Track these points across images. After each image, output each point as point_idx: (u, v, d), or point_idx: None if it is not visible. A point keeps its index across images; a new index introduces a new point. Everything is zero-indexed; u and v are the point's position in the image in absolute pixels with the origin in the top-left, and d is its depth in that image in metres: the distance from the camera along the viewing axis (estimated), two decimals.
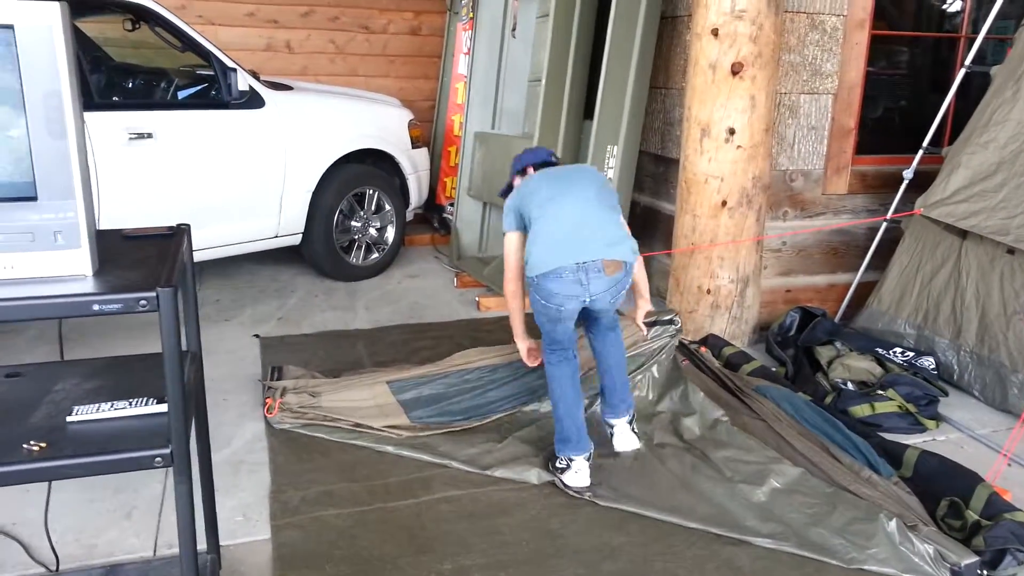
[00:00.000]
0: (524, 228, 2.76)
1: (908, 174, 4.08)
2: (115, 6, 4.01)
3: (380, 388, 3.19)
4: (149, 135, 3.81)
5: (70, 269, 1.46)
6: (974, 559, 2.25)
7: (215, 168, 4.13)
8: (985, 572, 2.26)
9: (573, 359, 2.79)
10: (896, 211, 4.10)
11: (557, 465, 2.76)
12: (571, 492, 2.67)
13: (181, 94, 4.20)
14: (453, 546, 2.39)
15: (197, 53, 4.07)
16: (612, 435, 2.92)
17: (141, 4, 3.89)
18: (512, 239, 2.81)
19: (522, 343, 2.96)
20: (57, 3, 1.38)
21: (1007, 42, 3.92)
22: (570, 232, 2.62)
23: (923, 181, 3.96)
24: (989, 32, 3.81)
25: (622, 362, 2.94)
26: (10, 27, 1.34)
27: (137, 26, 4.15)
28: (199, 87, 4.21)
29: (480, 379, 3.23)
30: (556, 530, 2.48)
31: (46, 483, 2.27)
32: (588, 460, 2.72)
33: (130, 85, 4.38)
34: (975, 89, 4.15)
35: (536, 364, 3.00)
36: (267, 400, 3.17)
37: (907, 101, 5.07)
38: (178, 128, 3.95)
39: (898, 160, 4.27)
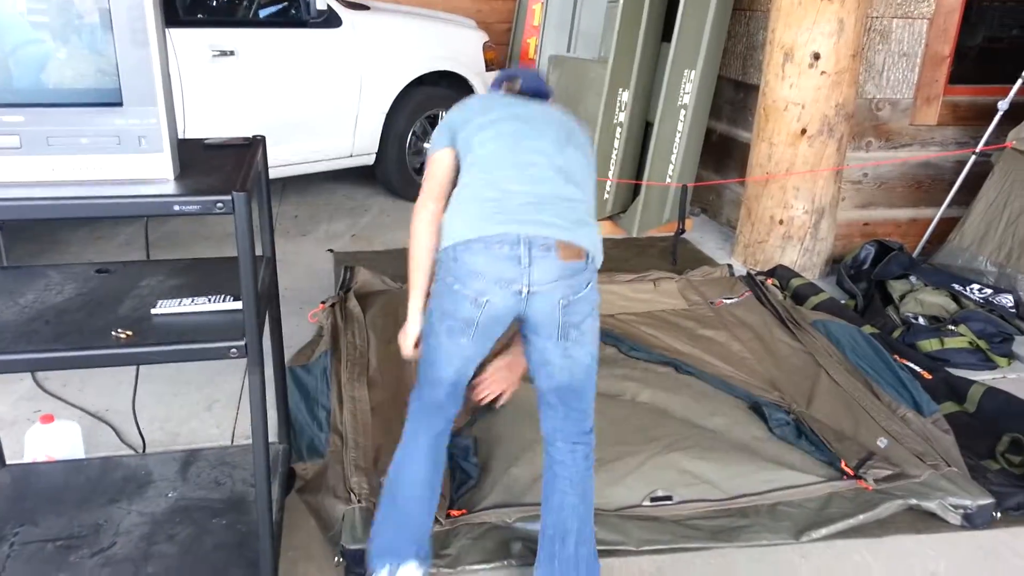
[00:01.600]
0: (456, 155, 1.92)
1: (1003, 105, 3.87)
2: None
3: None
4: (231, 52, 3.93)
5: (153, 172, 1.57)
6: (988, 500, 2.22)
7: (293, 86, 4.22)
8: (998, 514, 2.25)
9: (446, 419, 1.87)
10: (987, 144, 3.91)
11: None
12: None
13: (262, 12, 4.29)
14: None
15: None
16: None
17: None
18: (441, 157, 1.92)
19: (414, 324, 1.90)
20: None
21: None
22: (521, 191, 1.75)
23: (1019, 113, 3.75)
24: None
25: (586, 514, 1.85)
26: None
27: None
28: (279, 6, 4.28)
29: None
30: None
31: (144, 372, 2.47)
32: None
33: (214, 3, 4.49)
34: None
35: (412, 357, 1.93)
36: (321, 304, 3.30)
37: (1010, 28, 4.75)
38: (259, 46, 4.05)
39: (995, 91, 4.03)
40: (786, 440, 2.51)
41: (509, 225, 1.69)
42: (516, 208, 1.73)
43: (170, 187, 1.55)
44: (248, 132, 2.04)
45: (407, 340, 1.93)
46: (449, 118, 1.97)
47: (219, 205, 1.51)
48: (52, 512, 1.96)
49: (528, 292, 1.68)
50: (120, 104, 1.51)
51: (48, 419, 2.24)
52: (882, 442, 2.50)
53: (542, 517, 1.87)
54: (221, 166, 1.69)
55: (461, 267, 1.70)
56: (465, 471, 2.30)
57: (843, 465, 2.36)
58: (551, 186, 1.78)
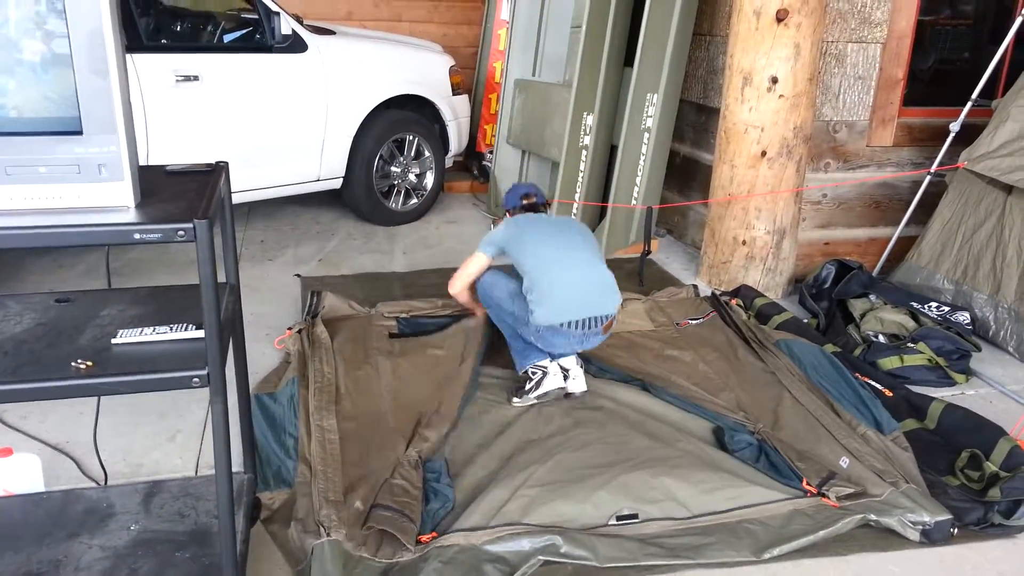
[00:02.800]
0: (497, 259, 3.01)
1: (955, 127, 3.98)
2: None
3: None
4: (196, 77, 3.91)
5: (114, 200, 1.55)
6: (945, 517, 2.25)
7: (259, 111, 4.22)
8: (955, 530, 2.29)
9: None
10: (940, 164, 4.01)
11: (531, 379, 2.87)
12: (559, 393, 2.87)
13: (227, 37, 4.28)
14: None
15: None
16: (565, 378, 2.92)
17: None
18: (482, 260, 3.01)
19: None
20: None
21: None
22: (579, 291, 2.78)
23: (971, 135, 3.86)
24: None
25: None
26: None
27: None
28: (244, 31, 4.28)
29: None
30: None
31: (104, 405, 2.42)
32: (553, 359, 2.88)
33: (178, 28, 4.47)
34: None
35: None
36: (288, 331, 3.32)
37: (960, 51, 4.90)
38: (224, 71, 4.04)
39: (946, 112, 4.16)
40: (747, 463, 2.54)
41: (576, 316, 2.76)
42: (581, 302, 2.77)
43: (131, 215, 1.54)
44: (213, 157, 2.04)
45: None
46: (497, 238, 2.98)
47: (180, 233, 1.50)
48: (10, 548, 1.90)
49: (578, 350, 2.93)
50: (80, 133, 1.50)
51: (6, 452, 2.19)
52: (844, 462, 2.53)
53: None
54: (183, 193, 1.68)
55: (544, 339, 2.80)
56: (440, 493, 2.30)
57: (805, 484, 2.39)
58: (597, 273, 2.84)
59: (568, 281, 2.78)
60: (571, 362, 2.91)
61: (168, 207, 1.58)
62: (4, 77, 1.45)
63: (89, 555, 1.89)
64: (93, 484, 2.40)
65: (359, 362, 3.10)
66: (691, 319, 3.62)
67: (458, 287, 3.10)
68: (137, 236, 1.49)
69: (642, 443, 2.59)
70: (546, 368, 2.86)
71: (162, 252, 4.39)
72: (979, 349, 3.42)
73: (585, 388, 2.92)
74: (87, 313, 1.82)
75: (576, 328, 2.75)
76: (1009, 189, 3.59)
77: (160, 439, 2.69)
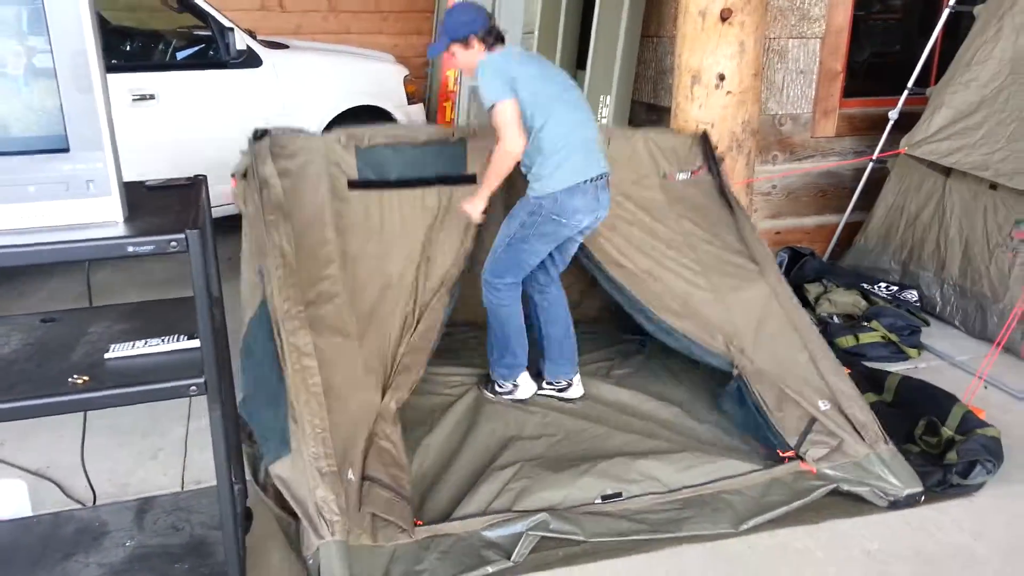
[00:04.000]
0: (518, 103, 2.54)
1: (894, 115, 4.17)
2: None
3: None
4: (152, 96, 3.90)
5: (102, 216, 1.58)
6: (917, 489, 2.39)
7: (216, 126, 4.21)
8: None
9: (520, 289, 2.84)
10: (882, 151, 4.20)
11: (499, 389, 2.93)
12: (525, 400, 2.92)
13: (180, 55, 4.27)
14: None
15: (194, 14, 4.13)
16: (565, 389, 2.97)
17: None
18: (510, 106, 2.50)
19: (484, 203, 2.71)
20: None
21: None
22: (583, 143, 2.60)
23: (909, 122, 4.05)
24: None
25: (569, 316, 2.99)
26: None
27: None
28: (197, 47, 4.27)
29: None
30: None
31: (78, 428, 2.41)
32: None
33: (128, 48, 4.44)
34: (961, 29, 4.22)
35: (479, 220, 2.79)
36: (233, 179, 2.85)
37: (894, 43, 5.13)
38: (179, 88, 4.03)
39: (885, 102, 4.35)
40: (731, 411, 2.69)
41: (589, 172, 2.59)
42: (589, 155, 2.61)
43: (121, 229, 1.57)
44: (174, 174, 2.07)
45: (476, 211, 2.73)
46: (500, 71, 2.53)
47: (173, 244, 1.54)
48: (3, 574, 1.91)
49: (597, 217, 2.69)
50: (67, 150, 1.53)
51: None
52: (823, 405, 2.59)
53: (545, 327, 2.94)
54: (168, 206, 1.72)
55: (564, 208, 2.58)
56: None
57: (781, 453, 2.50)
58: (592, 129, 2.68)
59: (584, 138, 2.61)
60: (575, 378, 2.98)
61: (157, 220, 1.62)
62: None
63: (87, 572, 1.91)
64: (80, 506, 2.40)
65: (313, 242, 2.63)
66: (680, 173, 3.27)
67: (514, 148, 2.53)
68: (131, 249, 1.52)
69: (622, 438, 2.69)
70: (518, 383, 2.94)
71: (125, 273, 4.34)
72: (928, 324, 3.59)
73: (583, 392, 2.98)
74: (74, 331, 1.84)
75: (590, 184, 2.60)
76: (948, 171, 3.78)
77: (143, 458, 2.69)
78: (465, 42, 2.62)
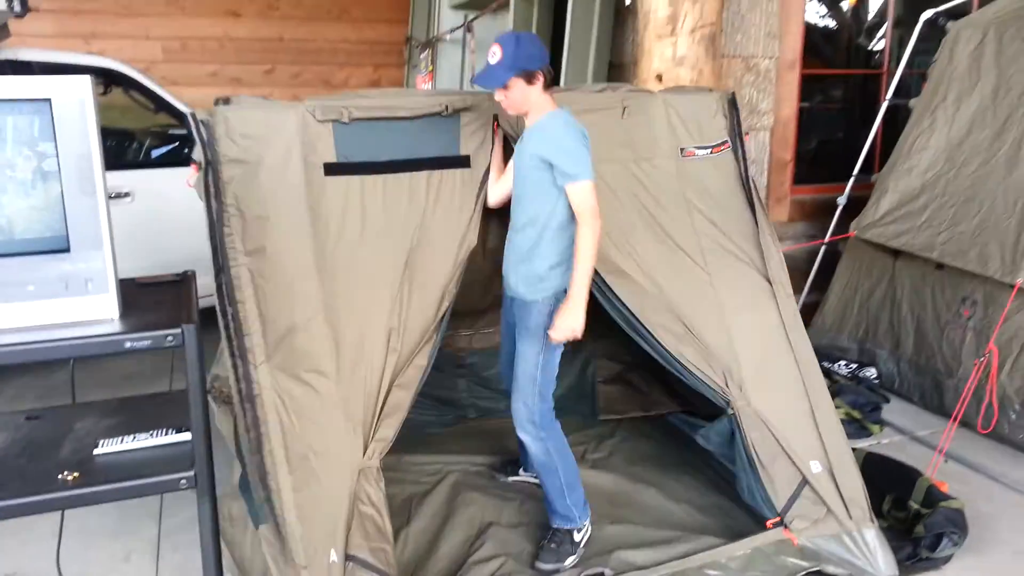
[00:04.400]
0: None
1: (842, 200, 4.40)
2: (89, 71, 4.17)
3: None
4: (127, 194, 3.96)
5: (99, 313, 1.63)
6: (893, 574, 2.43)
7: (191, 222, 4.25)
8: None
9: None
10: (833, 235, 4.41)
11: (577, 538, 2.52)
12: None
13: (155, 153, 4.36)
14: None
15: (170, 114, 4.24)
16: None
17: (114, 69, 4.07)
18: (591, 187, 2.28)
19: (582, 309, 2.30)
20: (87, 77, 1.57)
21: (922, 77, 4.30)
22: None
23: (856, 207, 4.28)
24: (910, 67, 4.19)
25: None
26: (47, 100, 1.53)
27: (109, 90, 4.31)
28: (172, 146, 4.37)
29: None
30: None
31: (46, 531, 2.37)
32: None
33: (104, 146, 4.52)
34: (900, 120, 4.52)
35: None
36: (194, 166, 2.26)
37: (839, 133, 5.45)
38: (155, 186, 4.10)
39: (833, 188, 4.60)
40: (715, 447, 2.67)
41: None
42: None
43: (116, 326, 1.61)
44: (151, 270, 2.12)
45: (580, 323, 2.31)
46: (586, 140, 2.32)
47: (169, 339, 1.59)
48: None
49: None
50: (67, 250, 1.59)
51: None
52: (816, 466, 2.49)
53: None
54: (161, 302, 1.77)
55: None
56: None
57: (768, 524, 2.49)
58: None
59: None
60: None
61: (151, 315, 1.67)
62: None
63: None
64: None
65: (283, 249, 2.24)
66: (698, 148, 2.77)
67: (597, 232, 2.29)
68: (128, 344, 1.56)
69: (601, 524, 2.67)
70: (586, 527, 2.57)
71: (92, 372, 4.30)
72: (888, 400, 3.72)
73: None
74: (60, 428, 1.85)
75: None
76: (896, 253, 3.98)
77: (115, 560, 2.63)
78: (531, 77, 2.27)
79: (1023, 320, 3.29)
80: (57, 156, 1.54)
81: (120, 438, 1.76)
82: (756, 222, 2.76)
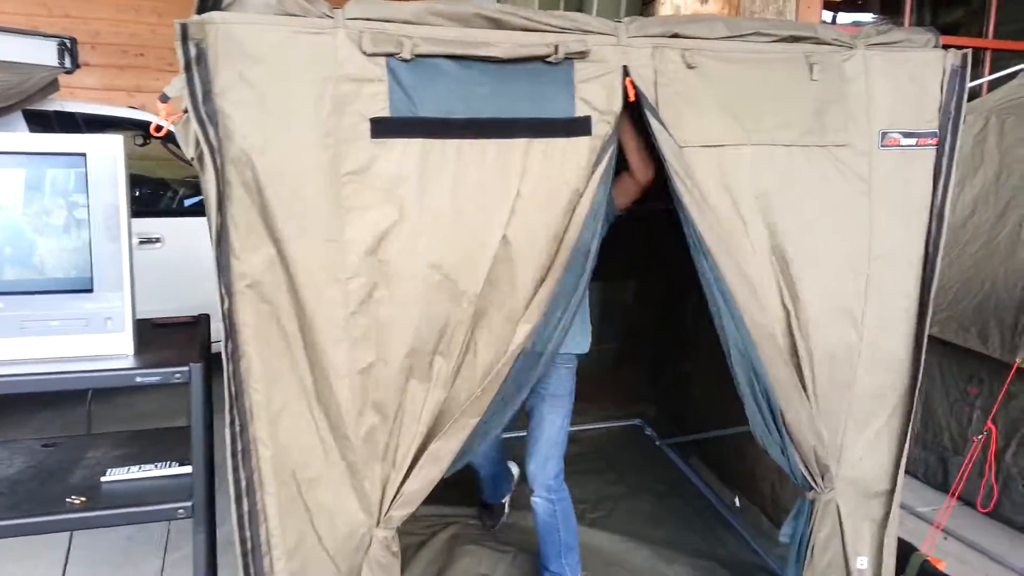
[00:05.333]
0: None
1: None
2: (129, 123, 4.43)
3: None
4: (158, 239, 4.16)
5: (115, 349, 1.76)
6: None
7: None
8: None
9: None
10: None
11: None
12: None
13: (187, 202, 4.57)
14: None
15: None
16: None
17: (154, 121, 4.31)
18: None
19: None
20: (119, 136, 1.73)
21: None
22: None
23: None
24: None
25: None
26: (83, 155, 1.68)
27: (148, 141, 4.55)
28: (203, 196, 4.58)
29: None
30: None
31: (53, 558, 2.48)
32: None
33: (138, 194, 4.75)
34: None
35: None
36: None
37: None
38: (185, 233, 4.30)
39: None
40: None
41: None
42: None
43: (131, 361, 1.74)
44: (176, 311, 2.25)
45: None
46: None
47: (177, 375, 1.71)
48: None
49: None
50: (91, 291, 1.73)
51: None
52: (862, 562, 2.31)
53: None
54: (174, 342, 1.90)
55: None
56: None
57: None
58: None
59: None
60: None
61: (163, 354, 1.79)
62: (30, 243, 1.68)
63: None
64: None
65: (292, 251, 1.64)
66: (903, 136, 2.01)
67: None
68: (139, 379, 1.68)
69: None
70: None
71: (115, 407, 4.45)
72: None
73: None
74: (73, 456, 1.96)
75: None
76: None
77: None
78: None
79: None
80: (88, 205, 1.69)
81: (127, 468, 1.87)
82: (926, 263, 2.07)
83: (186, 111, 1.56)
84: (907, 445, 2.23)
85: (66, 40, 3.82)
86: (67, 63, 3.76)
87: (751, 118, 1.87)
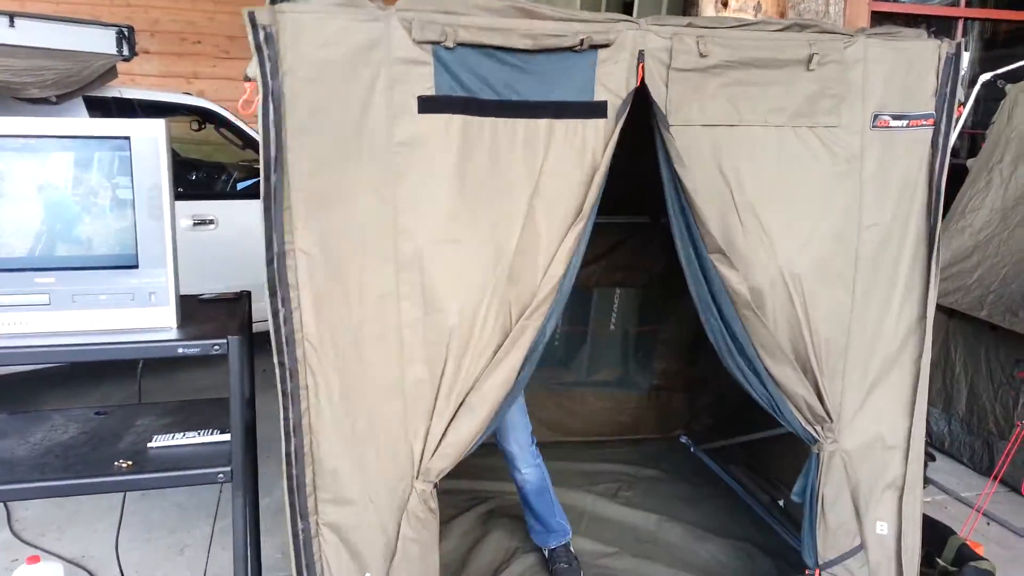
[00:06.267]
0: None
1: None
2: (185, 109, 4.59)
3: None
4: (211, 221, 4.32)
5: (160, 322, 1.87)
6: None
7: None
8: None
9: None
10: None
11: (572, 551, 2.67)
12: None
13: (240, 185, 4.73)
14: None
15: (255, 150, 4.59)
16: None
17: (208, 107, 4.46)
18: None
19: None
20: (162, 120, 1.83)
21: (980, 136, 4.27)
22: None
23: None
24: (967, 128, 4.17)
25: None
26: (127, 138, 1.78)
27: (203, 126, 4.72)
28: (256, 179, 4.72)
29: None
30: None
31: (111, 523, 2.62)
32: None
33: (194, 178, 4.93)
34: (958, 180, 4.47)
35: None
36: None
37: None
38: (238, 215, 4.45)
39: None
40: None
41: None
42: None
43: (174, 333, 1.84)
44: (227, 290, 2.35)
45: None
46: None
47: (216, 347, 1.80)
48: None
49: None
50: (136, 266, 1.83)
51: (34, 560, 2.37)
52: (881, 527, 2.34)
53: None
54: (216, 316, 2.00)
55: None
56: None
57: (806, 572, 2.39)
58: None
59: None
60: None
61: (204, 327, 1.89)
62: (79, 221, 1.79)
63: None
64: None
65: (354, 216, 1.84)
66: (893, 118, 2.16)
67: None
68: (180, 351, 1.79)
69: (624, 559, 2.77)
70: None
71: (171, 381, 4.65)
72: (934, 459, 3.66)
73: None
74: (123, 423, 2.09)
75: None
76: (951, 312, 3.93)
77: (171, 552, 2.87)
78: None
79: None
80: (132, 186, 1.79)
81: (172, 435, 1.98)
82: (930, 235, 2.22)
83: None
84: (917, 414, 2.31)
85: (124, 29, 3.98)
86: (125, 51, 3.93)
87: (748, 103, 2.05)
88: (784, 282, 2.14)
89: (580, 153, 1.94)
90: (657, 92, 1.97)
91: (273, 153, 1.74)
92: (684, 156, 2.00)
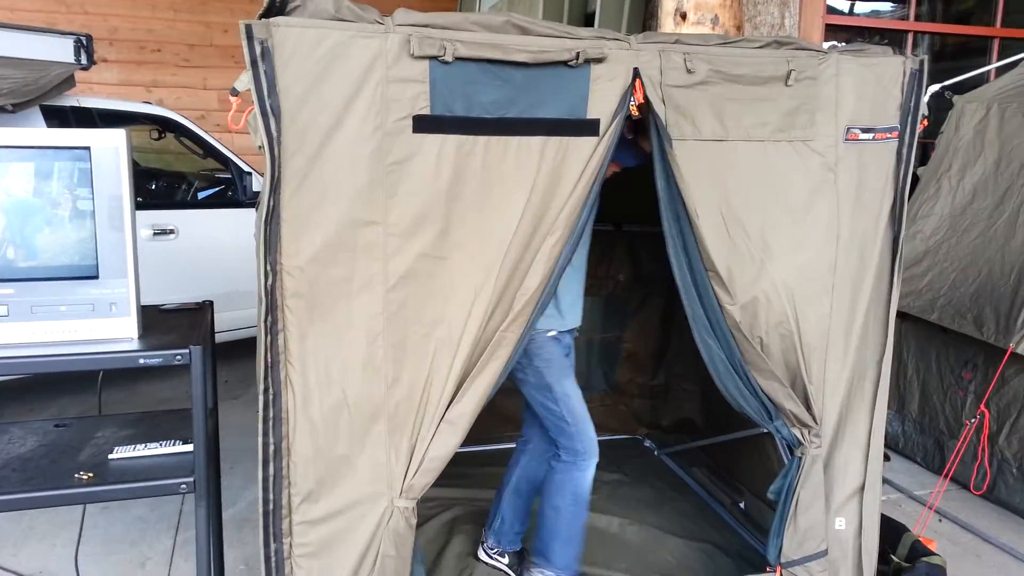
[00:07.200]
0: None
1: None
2: (144, 118, 4.55)
3: None
4: (172, 231, 4.28)
5: (121, 333, 1.86)
6: None
7: (229, 259, 4.56)
8: None
9: None
10: None
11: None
12: None
13: (201, 194, 4.69)
14: None
15: (216, 159, 4.58)
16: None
17: (168, 116, 4.43)
18: None
19: None
20: (123, 130, 1.82)
21: (930, 146, 4.41)
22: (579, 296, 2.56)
23: None
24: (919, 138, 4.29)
25: None
26: (87, 148, 1.78)
27: (163, 136, 4.68)
28: (216, 188, 4.70)
29: None
30: None
31: (70, 537, 2.60)
32: None
33: (154, 187, 4.88)
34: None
35: None
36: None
37: None
38: (198, 224, 4.42)
39: None
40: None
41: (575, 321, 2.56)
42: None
43: (135, 344, 1.84)
44: (187, 299, 2.35)
45: None
46: None
47: (178, 358, 1.80)
48: None
49: None
50: (96, 277, 1.82)
51: None
52: (840, 523, 2.41)
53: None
54: (178, 326, 1.99)
55: (539, 354, 2.44)
56: None
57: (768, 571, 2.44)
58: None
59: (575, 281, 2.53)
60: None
61: (166, 337, 1.89)
62: (38, 231, 1.78)
63: None
64: None
65: (341, 234, 1.82)
66: (862, 131, 2.25)
67: None
68: (141, 361, 1.78)
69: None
70: None
71: (132, 394, 4.59)
72: (888, 459, 3.76)
73: None
74: (83, 435, 2.07)
75: (568, 336, 2.57)
76: (904, 315, 4.05)
77: (132, 566, 2.84)
78: None
79: (1021, 385, 3.34)
80: (92, 196, 1.78)
81: (134, 446, 1.97)
82: (894, 242, 2.36)
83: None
84: (877, 414, 2.41)
85: (82, 37, 3.94)
86: (83, 59, 3.88)
87: (733, 118, 2.10)
88: (778, 293, 2.21)
89: (572, 170, 1.96)
90: (656, 108, 2.00)
91: (273, 172, 1.73)
92: (685, 172, 2.04)
